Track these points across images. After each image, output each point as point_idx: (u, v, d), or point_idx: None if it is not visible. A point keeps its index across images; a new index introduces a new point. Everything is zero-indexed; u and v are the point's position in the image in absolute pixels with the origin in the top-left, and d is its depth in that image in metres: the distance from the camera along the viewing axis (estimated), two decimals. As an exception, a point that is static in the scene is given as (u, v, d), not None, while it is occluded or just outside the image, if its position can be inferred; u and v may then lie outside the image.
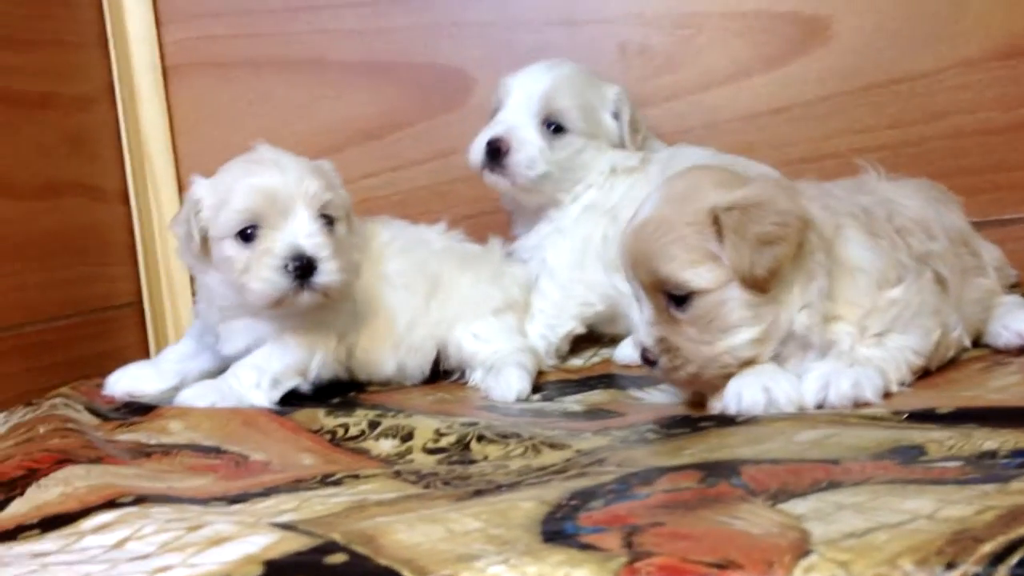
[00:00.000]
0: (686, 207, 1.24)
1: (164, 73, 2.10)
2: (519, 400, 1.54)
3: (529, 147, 1.73)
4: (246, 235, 1.47)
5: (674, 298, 1.25)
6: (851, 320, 1.28)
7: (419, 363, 1.69)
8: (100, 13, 2.05)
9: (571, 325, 1.78)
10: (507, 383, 1.57)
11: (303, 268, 1.45)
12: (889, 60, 1.94)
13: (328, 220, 1.50)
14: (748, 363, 1.26)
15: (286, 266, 1.45)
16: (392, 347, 1.66)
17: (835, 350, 1.28)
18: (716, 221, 1.22)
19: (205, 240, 1.51)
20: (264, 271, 1.45)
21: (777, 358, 1.28)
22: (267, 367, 1.54)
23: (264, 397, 1.52)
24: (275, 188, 1.48)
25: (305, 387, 1.57)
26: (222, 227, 1.48)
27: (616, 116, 1.79)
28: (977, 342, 1.49)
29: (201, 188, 1.52)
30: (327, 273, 1.46)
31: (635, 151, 1.78)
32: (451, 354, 1.71)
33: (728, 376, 1.27)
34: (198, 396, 1.51)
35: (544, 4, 2.06)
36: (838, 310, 1.28)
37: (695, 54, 2.02)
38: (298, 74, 2.11)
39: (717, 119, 2.00)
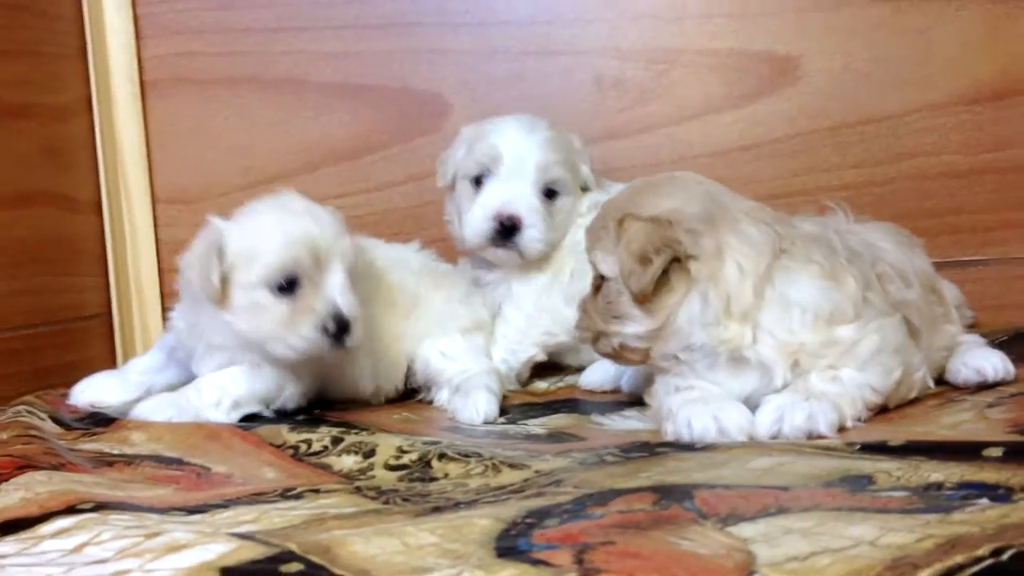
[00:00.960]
0: (613, 208, 1.37)
1: (142, 87, 2.11)
2: (486, 423, 1.55)
3: (540, 222, 1.73)
4: (283, 287, 1.46)
5: (600, 276, 1.37)
6: (777, 346, 1.30)
7: (395, 380, 1.71)
8: (80, 25, 2.06)
9: (532, 351, 1.80)
10: (475, 405, 1.57)
11: (341, 328, 1.46)
12: (857, 101, 1.99)
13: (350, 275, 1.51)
14: (640, 353, 1.35)
15: (325, 326, 1.46)
16: (372, 367, 1.66)
17: (780, 369, 1.30)
18: (618, 226, 1.32)
19: (224, 283, 1.48)
20: (304, 328, 1.45)
21: (697, 366, 1.32)
22: (232, 389, 1.53)
23: (223, 416, 1.51)
24: (316, 241, 1.47)
25: (267, 414, 1.56)
26: (256, 276, 1.46)
27: (585, 163, 1.82)
28: (938, 381, 1.52)
29: (227, 232, 1.49)
30: (357, 334, 1.49)
31: (599, 190, 1.81)
32: (418, 369, 1.72)
33: (625, 359, 1.39)
34: (155, 410, 1.51)
35: (521, 33, 2.09)
36: (763, 337, 1.30)
37: (668, 88, 2.06)
38: (276, 93, 2.13)
39: (687, 153, 2.04)
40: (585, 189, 1.82)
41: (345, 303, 1.47)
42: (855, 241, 1.42)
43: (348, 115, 2.14)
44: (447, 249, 1.90)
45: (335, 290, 1.47)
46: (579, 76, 2.08)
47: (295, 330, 1.45)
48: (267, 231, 1.48)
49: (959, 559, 0.74)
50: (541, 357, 1.81)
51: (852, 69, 1.99)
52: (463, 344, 1.73)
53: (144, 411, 1.51)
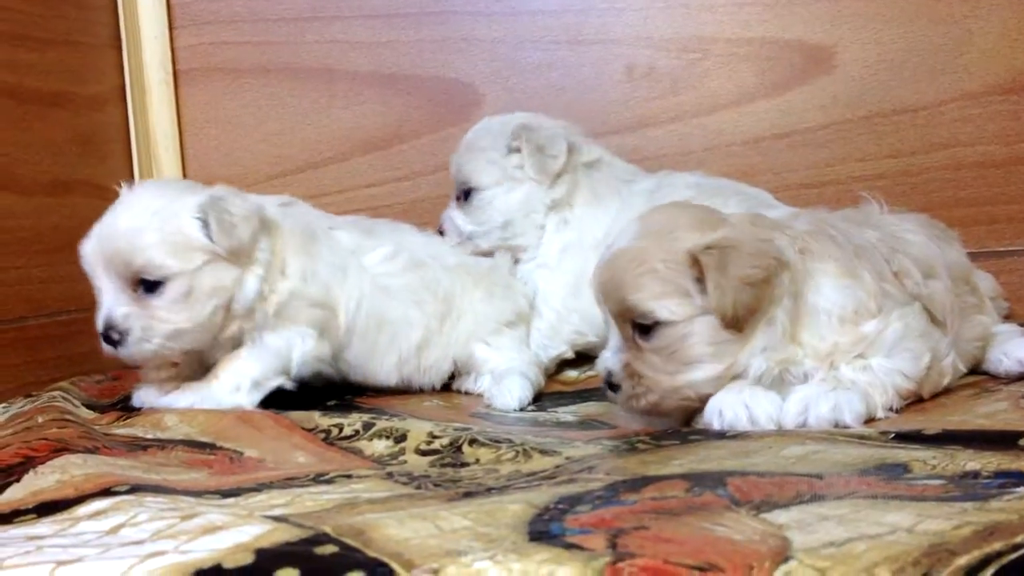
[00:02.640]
0: (662, 243, 1.27)
1: (175, 76, 2.13)
2: (520, 408, 1.56)
3: (453, 222, 1.85)
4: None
5: (640, 327, 1.28)
6: (815, 355, 1.29)
7: (431, 380, 1.71)
8: (114, 15, 2.08)
9: (562, 349, 1.80)
10: (509, 391, 1.59)
11: (110, 336, 1.48)
12: (891, 91, 1.97)
13: (148, 286, 1.47)
14: (703, 399, 1.29)
15: (103, 333, 1.49)
16: (397, 363, 1.67)
17: (820, 373, 1.29)
18: (695, 262, 1.24)
19: None
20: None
21: None
22: (245, 370, 1.54)
23: (245, 400, 1.52)
24: (88, 253, 1.50)
25: (289, 385, 1.57)
26: None
27: (515, 150, 1.81)
28: (971, 372, 1.51)
29: None
30: (131, 341, 1.47)
31: (548, 181, 1.78)
32: (460, 362, 1.73)
33: (686, 409, 1.30)
34: (177, 399, 1.52)
35: (553, 23, 2.09)
36: (799, 350, 1.30)
37: (700, 77, 2.04)
38: (307, 82, 2.14)
39: (720, 142, 2.02)
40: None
41: (109, 313, 1.47)
42: (872, 236, 1.40)
43: (379, 104, 2.14)
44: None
45: (103, 300, 1.48)
46: (611, 65, 2.07)
47: None
48: None
49: (997, 546, 0.73)
50: (569, 355, 1.81)
51: (886, 58, 1.97)
52: (508, 335, 1.74)
53: (167, 400, 1.52)
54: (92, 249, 1.49)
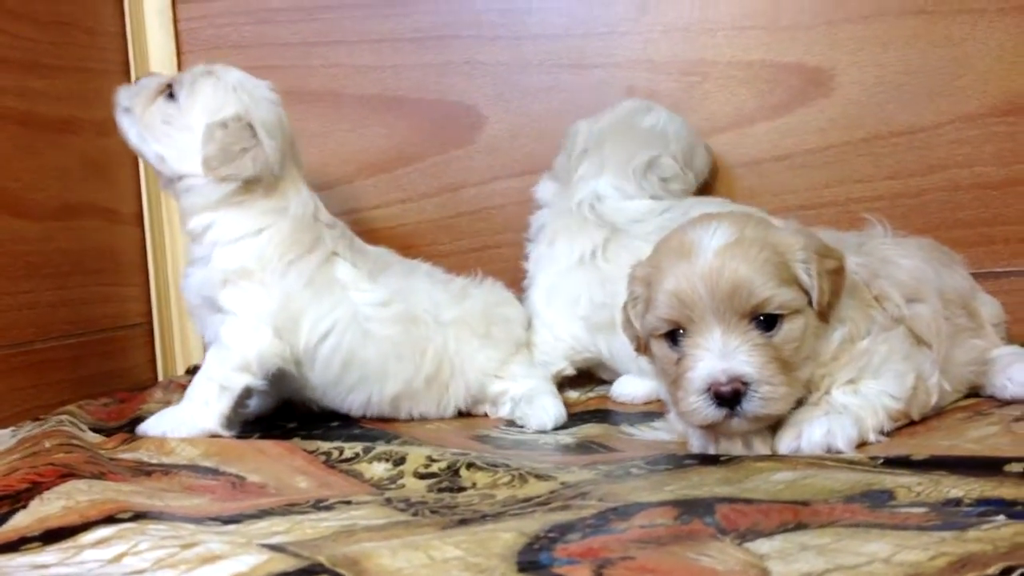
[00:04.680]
0: (766, 238, 1.26)
1: (183, 101, 2.16)
2: (556, 427, 1.57)
3: None
4: None
5: (766, 321, 1.23)
6: (829, 368, 1.31)
7: (450, 404, 1.70)
8: (123, 41, 2.12)
9: (562, 365, 1.81)
10: (544, 410, 1.60)
11: None
12: (889, 113, 1.98)
13: None
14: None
15: None
16: (365, 403, 1.66)
17: (813, 397, 1.31)
18: (795, 252, 1.26)
19: None
20: None
21: None
22: (208, 375, 1.54)
23: (218, 408, 1.52)
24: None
25: (258, 384, 1.55)
26: None
27: None
28: (967, 396, 1.52)
29: None
30: None
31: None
32: (475, 400, 1.72)
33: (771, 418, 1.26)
34: (152, 426, 1.52)
35: (555, 47, 2.11)
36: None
37: (700, 100, 2.06)
38: (314, 106, 2.17)
39: (720, 164, 2.04)
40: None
41: None
42: (860, 261, 1.42)
43: (384, 127, 2.17)
44: (479, 260, 1.94)
45: None
46: (612, 88, 2.09)
47: None
48: None
49: (970, 578, 0.75)
50: (570, 371, 1.83)
51: (885, 81, 1.98)
52: (516, 363, 1.74)
53: (145, 428, 1.53)
54: None
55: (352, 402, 1.66)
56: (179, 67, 2.14)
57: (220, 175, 1.56)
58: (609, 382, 1.83)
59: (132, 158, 2.09)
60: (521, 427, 1.61)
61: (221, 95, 1.60)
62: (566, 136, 1.93)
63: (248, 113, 1.59)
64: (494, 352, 1.72)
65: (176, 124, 1.60)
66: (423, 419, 1.68)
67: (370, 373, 1.63)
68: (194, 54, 2.16)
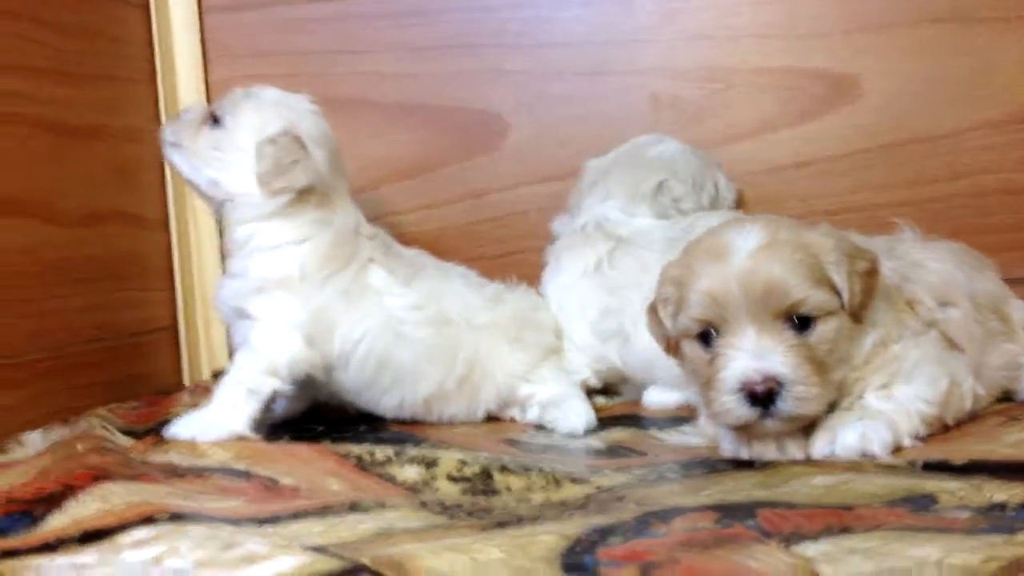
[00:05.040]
0: (799, 240, 1.26)
1: (208, 108, 2.16)
2: (588, 431, 1.56)
3: None
4: None
5: (800, 322, 1.23)
6: (862, 372, 1.31)
7: (449, 422, 1.69)
8: (150, 49, 2.12)
9: (586, 374, 1.80)
10: (576, 413, 1.60)
11: None
12: (913, 120, 1.98)
13: None
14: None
15: None
16: (399, 405, 1.66)
17: (846, 401, 1.30)
18: (828, 253, 1.26)
19: None
20: None
21: None
22: (236, 379, 1.54)
23: (246, 410, 1.51)
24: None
25: (287, 389, 1.56)
26: None
27: None
28: (999, 400, 1.51)
29: None
30: None
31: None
32: (504, 403, 1.71)
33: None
34: (180, 429, 1.51)
35: (577, 54, 2.11)
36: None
37: (724, 107, 2.06)
38: (339, 113, 2.14)
39: (743, 171, 2.04)
40: None
41: None
42: (892, 265, 1.41)
43: (408, 134, 2.17)
44: (502, 267, 1.93)
45: None
46: (635, 96, 2.10)
47: None
48: None
49: (1024, 581, 0.75)
50: (595, 383, 1.82)
51: (909, 88, 1.98)
52: (546, 367, 1.73)
53: (173, 431, 1.51)
54: None
55: (386, 404, 1.66)
56: (206, 75, 2.15)
57: (274, 189, 1.59)
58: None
59: (158, 164, 2.10)
60: (550, 431, 1.61)
61: (265, 113, 1.63)
62: (580, 175, 1.94)
63: (294, 127, 1.62)
64: (524, 356, 1.72)
65: (225, 148, 1.62)
66: (452, 422, 1.68)
67: (404, 375, 1.64)
68: (220, 63, 2.17)
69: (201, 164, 1.64)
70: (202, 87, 2.15)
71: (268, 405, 1.56)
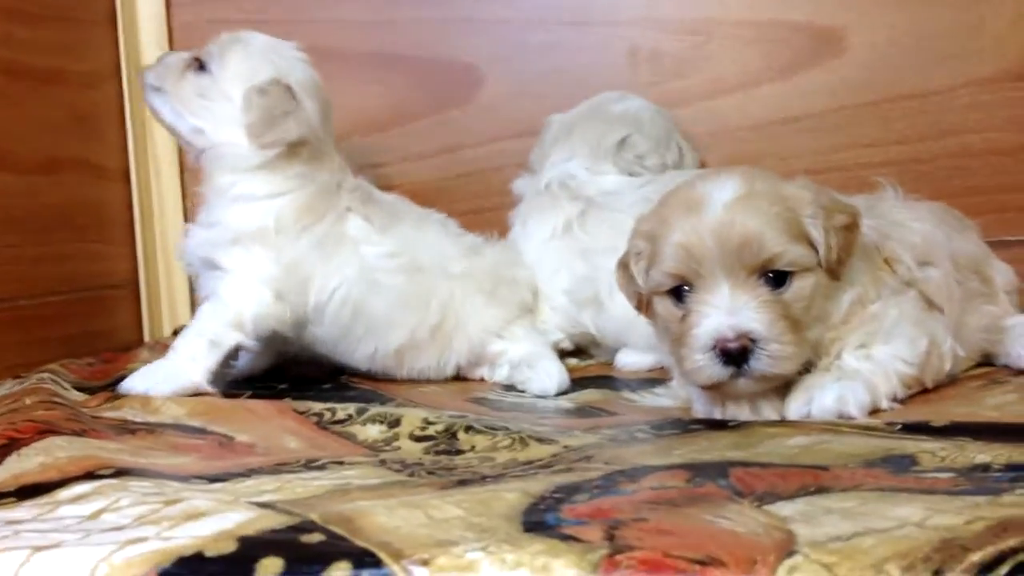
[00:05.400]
0: (776, 193, 1.21)
1: (172, 55, 2.09)
2: (560, 392, 1.52)
3: None
4: None
5: (775, 278, 1.19)
6: (839, 332, 1.27)
7: (420, 376, 1.65)
8: (110, -10, 2.05)
9: (559, 336, 1.76)
10: (548, 374, 1.55)
11: None
12: (901, 76, 1.93)
13: None
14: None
15: None
16: (371, 355, 1.62)
17: (823, 362, 1.26)
18: (805, 207, 1.21)
19: None
20: None
21: None
22: (203, 330, 1.49)
23: (205, 363, 1.46)
24: None
25: (250, 344, 1.51)
26: None
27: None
28: (985, 363, 1.48)
29: None
30: None
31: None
32: (474, 359, 1.66)
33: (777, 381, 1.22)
34: (136, 382, 1.46)
35: (557, 4, 2.06)
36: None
37: (705, 61, 2.01)
38: (307, 62, 2.10)
39: (725, 127, 1.99)
40: None
41: None
42: (871, 224, 1.37)
43: (380, 85, 2.11)
44: (476, 222, 1.87)
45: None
46: (614, 48, 2.04)
47: None
48: None
49: (1012, 542, 0.70)
50: (567, 345, 1.78)
51: (897, 43, 1.93)
52: (519, 325, 1.68)
53: (128, 385, 1.46)
54: None
55: (359, 355, 1.62)
56: (168, 17, 2.08)
57: (264, 141, 1.53)
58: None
59: (119, 112, 2.04)
60: (520, 392, 1.56)
61: (254, 60, 1.57)
62: (542, 131, 1.89)
63: (284, 76, 1.57)
64: (499, 311, 1.67)
65: (211, 95, 1.56)
66: (421, 378, 1.64)
67: (377, 324, 1.59)
68: (184, 6, 2.10)
69: (184, 111, 1.57)
70: (164, 31, 2.08)
71: (228, 360, 1.51)
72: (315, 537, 0.79)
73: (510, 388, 1.60)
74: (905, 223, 1.43)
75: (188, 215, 2.07)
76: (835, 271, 1.23)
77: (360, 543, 0.77)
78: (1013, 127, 1.89)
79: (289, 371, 1.66)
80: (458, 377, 1.67)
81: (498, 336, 1.66)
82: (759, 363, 1.16)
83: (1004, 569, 0.67)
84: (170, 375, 1.45)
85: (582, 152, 1.81)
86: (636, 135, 1.81)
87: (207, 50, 1.60)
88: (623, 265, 1.31)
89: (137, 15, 2.05)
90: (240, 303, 1.50)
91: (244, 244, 1.52)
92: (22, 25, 1.78)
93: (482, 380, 1.66)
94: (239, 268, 1.52)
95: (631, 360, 1.70)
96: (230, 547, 0.77)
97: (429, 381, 1.65)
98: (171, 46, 2.08)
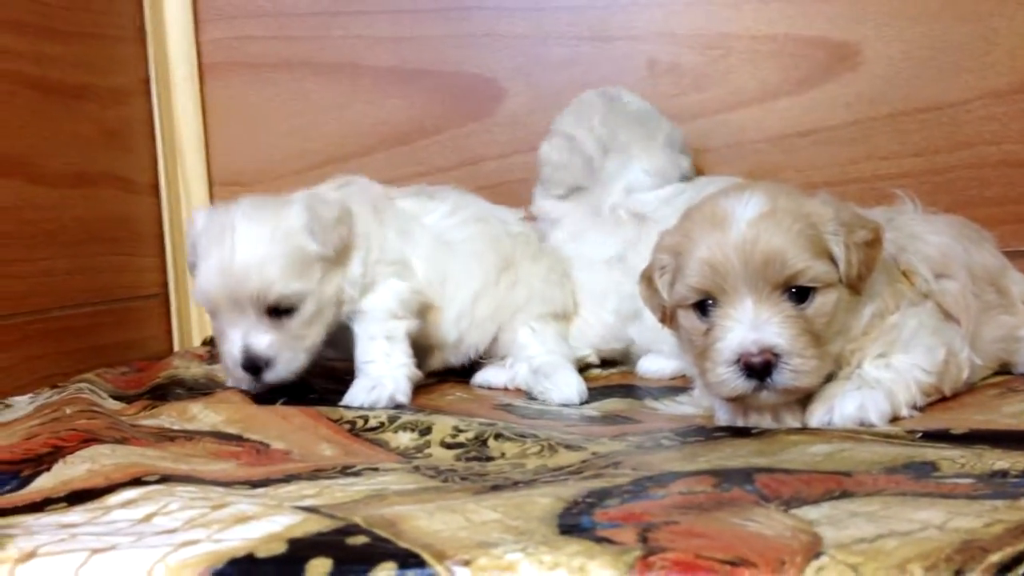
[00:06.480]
0: (799, 209, 1.24)
1: (200, 70, 2.14)
2: (580, 402, 1.54)
3: None
4: (215, 317, 1.53)
5: (798, 293, 1.21)
6: (860, 343, 1.30)
7: (477, 340, 1.70)
8: (140, 8, 2.09)
9: (586, 352, 1.79)
10: (567, 384, 1.57)
11: (254, 369, 1.49)
12: (916, 88, 1.96)
13: (284, 311, 1.48)
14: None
15: (239, 366, 1.49)
16: (456, 316, 1.67)
17: (843, 371, 1.29)
18: (827, 224, 1.23)
19: None
20: (226, 364, 1.54)
21: None
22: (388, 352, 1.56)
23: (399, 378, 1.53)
24: (223, 283, 1.46)
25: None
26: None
27: None
28: (997, 374, 1.51)
29: (190, 234, 1.54)
30: (280, 369, 1.49)
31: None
32: (504, 340, 1.72)
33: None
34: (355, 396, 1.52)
35: (577, 19, 2.09)
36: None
37: (724, 74, 2.04)
38: (331, 77, 2.15)
39: (743, 139, 2.02)
40: None
41: (257, 344, 1.47)
42: (890, 237, 1.39)
43: (402, 99, 2.14)
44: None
45: (245, 332, 1.48)
46: (633, 61, 2.07)
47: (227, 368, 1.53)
48: (198, 254, 1.50)
49: (1030, 544, 0.73)
50: (593, 360, 1.81)
51: (912, 56, 1.96)
52: (553, 327, 1.73)
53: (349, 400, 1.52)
54: (216, 287, 1.47)
55: (445, 321, 1.67)
56: (196, 33, 2.12)
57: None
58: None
59: (148, 127, 2.08)
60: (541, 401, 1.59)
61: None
62: (540, 164, 1.89)
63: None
64: (546, 293, 1.74)
65: None
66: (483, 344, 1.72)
67: (460, 279, 1.67)
68: (212, 23, 2.14)
69: None
70: (193, 47, 2.12)
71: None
72: (360, 539, 0.82)
73: (533, 398, 1.63)
74: (922, 236, 1.45)
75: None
76: (856, 286, 1.25)
77: (404, 545, 0.80)
78: (1027, 138, 1.92)
79: (317, 381, 1.69)
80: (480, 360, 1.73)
81: (531, 327, 1.70)
82: (782, 377, 1.19)
83: (1022, 569, 0.70)
84: (378, 388, 1.52)
85: (637, 153, 1.82)
86: (672, 130, 1.85)
87: None
88: (647, 278, 1.34)
89: (166, 32, 2.10)
90: (383, 303, 1.59)
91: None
92: (52, 42, 1.82)
93: (505, 390, 1.69)
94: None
95: (655, 367, 1.72)
96: (280, 548, 0.80)
97: (455, 384, 1.69)
98: (199, 61, 2.12)
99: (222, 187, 2.14)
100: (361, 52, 2.14)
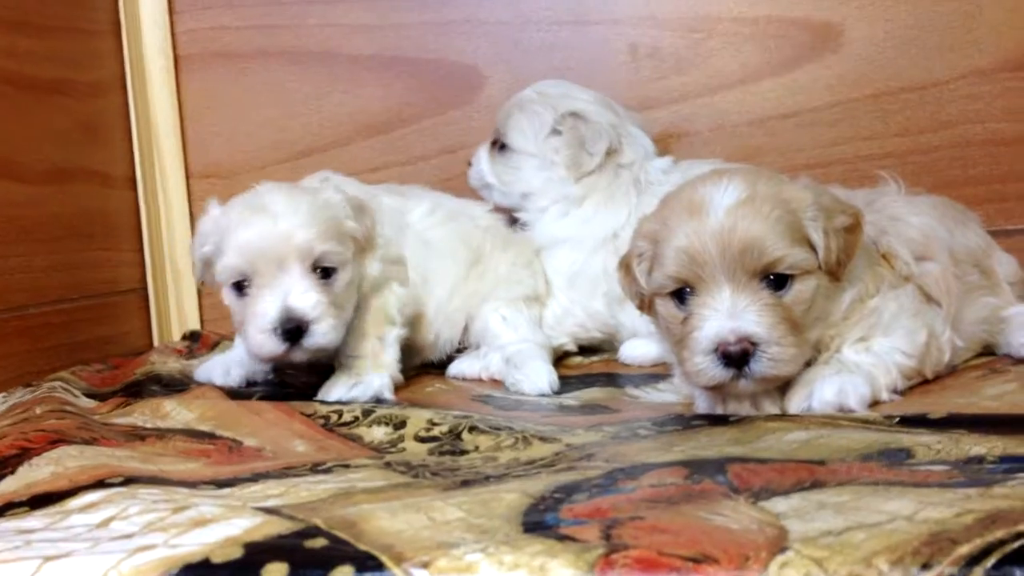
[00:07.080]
0: (778, 196, 1.22)
1: (176, 62, 2.11)
2: (552, 391, 1.53)
3: (479, 165, 1.89)
4: (239, 287, 1.45)
5: (776, 281, 1.20)
6: (839, 328, 1.28)
7: (451, 334, 1.72)
8: (114, 1, 2.07)
9: (563, 341, 1.78)
10: (538, 375, 1.56)
11: (292, 332, 1.41)
12: (899, 68, 1.94)
13: (325, 272, 1.45)
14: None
15: (275, 329, 1.41)
16: (433, 316, 1.68)
17: (823, 356, 1.27)
18: (806, 210, 1.22)
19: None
20: (255, 332, 1.42)
21: None
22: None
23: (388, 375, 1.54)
24: (269, 243, 1.41)
25: (404, 333, 1.62)
26: (219, 273, 1.46)
27: (556, 133, 1.80)
28: (984, 353, 1.49)
29: (207, 222, 1.49)
30: (319, 335, 1.42)
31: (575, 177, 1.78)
32: (475, 329, 1.72)
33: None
34: (331, 391, 1.52)
35: (556, 4, 2.07)
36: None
37: (705, 57, 2.02)
38: (309, 66, 2.12)
39: (725, 122, 2.00)
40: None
41: (300, 304, 1.42)
42: (871, 219, 1.38)
43: (381, 88, 2.12)
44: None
45: (289, 292, 1.42)
46: (614, 45, 2.05)
47: (249, 331, 1.43)
48: (229, 230, 1.44)
49: (1000, 534, 0.71)
50: (571, 347, 1.80)
51: (894, 35, 1.94)
52: (525, 313, 1.73)
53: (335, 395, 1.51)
54: (255, 250, 1.42)
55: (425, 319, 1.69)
56: (171, 25, 2.09)
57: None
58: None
59: (124, 119, 2.06)
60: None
61: None
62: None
63: None
64: (514, 279, 1.75)
65: None
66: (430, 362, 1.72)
67: (437, 278, 1.69)
68: (187, 14, 2.12)
69: None
70: (168, 39, 2.09)
71: None
72: (319, 542, 0.80)
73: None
74: (904, 217, 1.43)
75: (194, 221, 2.09)
76: (836, 273, 1.24)
77: (363, 547, 0.79)
78: (1012, 117, 1.90)
79: (291, 378, 1.67)
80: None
81: (502, 316, 1.70)
82: (760, 365, 1.18)
83: (991, 560, 0.69)
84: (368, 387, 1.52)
85: (640, 133, 1.85)
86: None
87: None
88: (625, 265, 1.32)
89: (141, 24, 2.07)
90: (384, 305, 1.60)
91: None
92: (27, 36, 1.80)
93: (480, 380, 1.67)
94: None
95: (638, 353, 1.71)
96: (236, 553, 0.79)
97: (435, 376, 1.68)
98: (175, 53, 2.10)
99: (199, 179, 2.12)
100: (338, 41, 2.11)
